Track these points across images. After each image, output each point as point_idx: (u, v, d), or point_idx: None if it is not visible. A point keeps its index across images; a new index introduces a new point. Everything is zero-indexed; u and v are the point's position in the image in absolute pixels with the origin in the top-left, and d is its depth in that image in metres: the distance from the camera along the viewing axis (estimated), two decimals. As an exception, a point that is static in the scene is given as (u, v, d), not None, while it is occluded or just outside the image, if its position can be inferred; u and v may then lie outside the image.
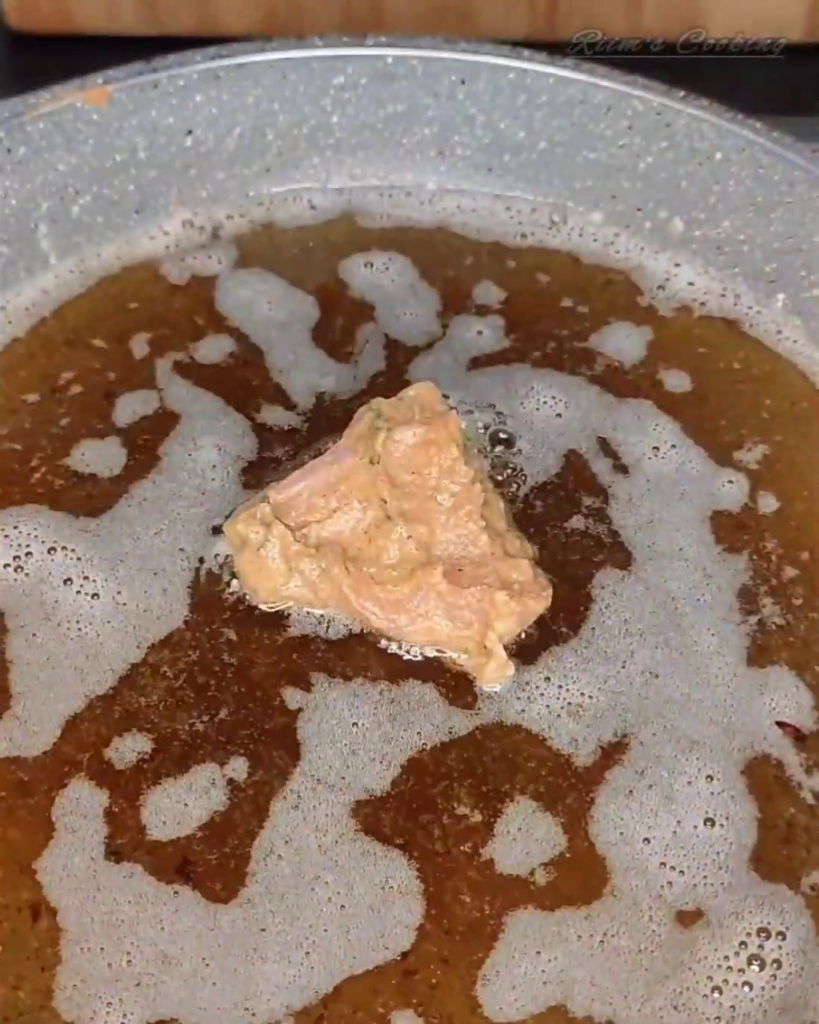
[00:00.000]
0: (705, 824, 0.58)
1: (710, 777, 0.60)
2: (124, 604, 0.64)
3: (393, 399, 0.66)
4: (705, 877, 0.57)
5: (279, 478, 0.66)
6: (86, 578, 0.65)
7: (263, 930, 0.56)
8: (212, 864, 0.57)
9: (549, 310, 0.78)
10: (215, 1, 1.01)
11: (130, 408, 0.72)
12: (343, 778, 0.59)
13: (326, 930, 0.56)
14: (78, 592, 0.64)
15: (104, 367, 0.74)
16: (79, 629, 0.63)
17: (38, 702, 0.61)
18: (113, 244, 0.80)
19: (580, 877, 0.57)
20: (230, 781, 0.59)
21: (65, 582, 0.64)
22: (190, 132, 0.80)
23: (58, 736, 0.60)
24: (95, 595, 0.64)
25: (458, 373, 0.74)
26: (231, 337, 0.76)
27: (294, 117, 0.82)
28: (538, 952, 0.55)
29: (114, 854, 0.57)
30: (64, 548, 0.65)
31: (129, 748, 0.60)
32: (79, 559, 0.65)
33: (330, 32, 0.88)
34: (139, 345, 0.76)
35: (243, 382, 0.74)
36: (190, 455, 0.70)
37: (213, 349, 0.75)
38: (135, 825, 0.58)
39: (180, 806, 0.58)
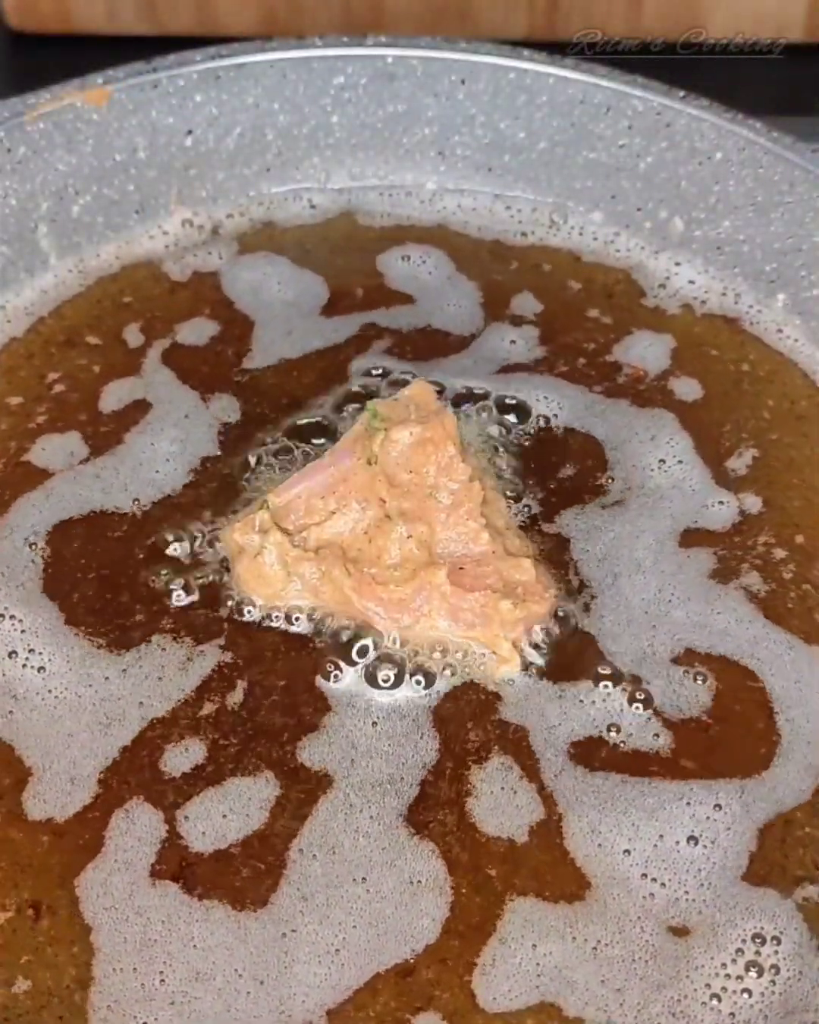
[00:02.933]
0: (688, 842, 0.57)
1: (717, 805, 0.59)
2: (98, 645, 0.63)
3: (389, 399, 0.67)
4: (686, 893, 0.56)
5: (239, 457, 0.67)
6: (31, 650, 0.63)
7: (294, 931, 0.55)
8: (244, 874, 0.57)
9: (569, 308, 0.78)
10: (215, 1, 1.01)
11: (115, 397, 0.72)
12: (367, 777, 0.59)
13: (355, 927, 0.55)
14: (24, 665, 0.62)
15: (91, 362, 0.74)
16: (41, 699, 0.61)
17: (61, 766, 0.60)
18: (113, 244, 0.80)
19: (570, 882, 0.57)
20: (262, 793, 0.59)
21: (10, 655, 0.62)
22: (190, 132, 0.80)
23: (95, 789, 0.59)
24: (41, 668, 0.62)
25: (475, 373, 0.74)
26: (222, 320, 0.76)
27: (294, 117, 0.82)
28: (534, 945, 0.55)
29: (150, 873, 0.57)
30: (13, 617, 0.63)
31: (168, 770, 0.59)
32: (24, 631, 0.63)
33: (330, 32, 0.88)
34: (132, 334, 0.76)
35: (223, 360, 0.74)
36: (152, 444, 0.70)
37: (201, 331, 0.76)
38: (171, 842, 0.57)
39: (213, 822, 0.58)
